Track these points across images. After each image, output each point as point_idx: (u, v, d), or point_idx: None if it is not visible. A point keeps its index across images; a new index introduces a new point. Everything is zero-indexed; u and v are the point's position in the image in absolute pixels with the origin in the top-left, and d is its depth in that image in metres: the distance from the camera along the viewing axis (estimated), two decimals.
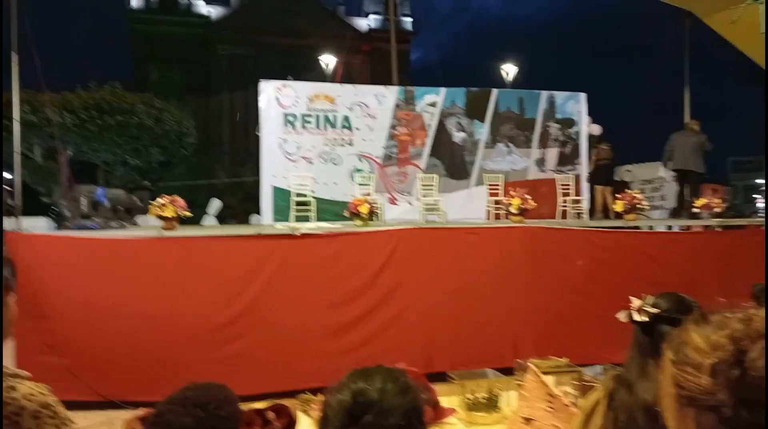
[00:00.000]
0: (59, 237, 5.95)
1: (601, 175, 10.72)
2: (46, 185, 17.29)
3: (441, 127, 10.43)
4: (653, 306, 1.77)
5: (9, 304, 1.41)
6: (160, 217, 6.27)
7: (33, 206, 12.14)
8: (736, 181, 34.75)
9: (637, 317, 1.77)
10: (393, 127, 10.20)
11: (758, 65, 9.19)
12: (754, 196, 35.17)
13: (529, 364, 2.79)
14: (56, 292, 5.36)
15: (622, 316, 1.81)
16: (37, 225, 8.91)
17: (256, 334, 5.75)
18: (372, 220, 7.43)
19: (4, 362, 1.37)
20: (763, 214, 10.80)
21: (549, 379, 2.60)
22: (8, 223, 5.93)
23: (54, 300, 5.33)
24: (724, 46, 10.27)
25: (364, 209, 7.04)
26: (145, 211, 10.94)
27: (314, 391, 4.13)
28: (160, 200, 6.28)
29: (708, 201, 8.16)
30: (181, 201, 6.30)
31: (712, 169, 12.00)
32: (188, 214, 6.45)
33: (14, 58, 7.10)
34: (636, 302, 1.79)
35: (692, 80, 11.63)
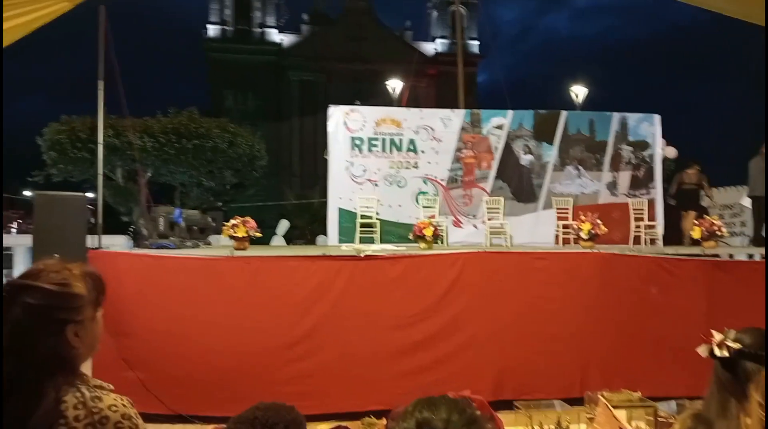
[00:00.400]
0: (138, 255, 6.25)
1: (684, 200, 10.34)
2: (126, 205, 18.20)
3: (508, 150, 10.32)
4: (735, 341, 1.67)
5: (97, 319, 1.51)
6: (233, 238, 6.49)
7: (113, 225, 12.81)
8: None
9: (718, 352, 1.68)
10: (459, 149, 10.18)
11: None
12: None
13: (600, 396, 2.69)
14: (132, 309, 5.61)
15: (702, 350, 1.72)
16: (116, 242, 9.38)
17: (322, 354, 5.80)
18: (436, 242, 7.41)
19: (89, 374, 1.46)
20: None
21: (621, 414, 2.49)
22: (90, 240, 6.27)
23: (130, 316, 5.57)
24: None
25: (428, 232, 7.04)
26: (217, 230, 11.34)
27: (378, 414, 4.11)
28: (233, 221, 6.50)
29: None
30: (252, 222, 6.51)
31: None
32: (258, 234, 6.64)
33: (100, 86, 7.57)
34: (717, 336, 1.69)
35: None
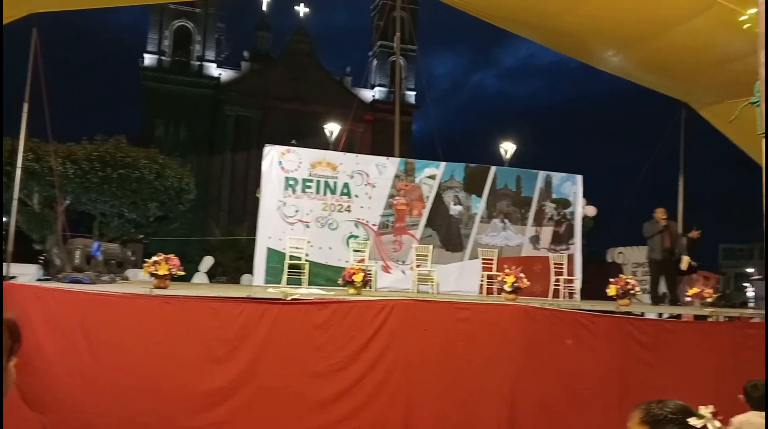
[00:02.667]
0: (49, 289, 5.89)
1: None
2: (40, 233, 17.24)
3: (439, 200, 10.55)
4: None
5: (9, 369, 1.40)
6: (153, 275, 6.23)
7: (24, 253, 12.09)
8: (728, 269, 34.81)
9: None
10: (391, 196, 10.32)
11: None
12: (745, 284, 35.27)
13: None
14: (39, 345, 5.25)
15: None
16: (27, 272, 8.85)
17: (240, 401, 5.60)
18: (365, 288, 7.41)
19: None
20: (755, 304, 10.78)
21: None
22: None
23: (35, 353, 5.22)
24: (719, 135, 10.59)
25: (358, 278, 7.04)
26: (136, 264, 10.89)
27: None
28: (155, 258, 6.26)
29: (700, 290, 8.17)
30: (175, 260, 6.28)
31: (703, 257, 12.12)
32: (181, 273, 6.42)
33: (25, 108, 7.26)
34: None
35: (687, 167, 11.93)
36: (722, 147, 11.10)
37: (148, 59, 39.53)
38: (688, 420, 1.70)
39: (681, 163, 12.01)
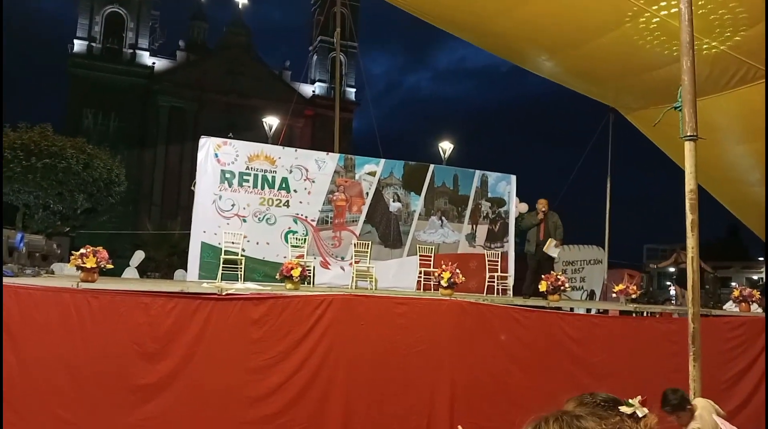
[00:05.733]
0: None
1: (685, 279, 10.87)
2: None
3: (378, 196, 10.59)
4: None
5: None
6: (80, 268, 5.98)
7: None
8: (652, 268, 36.53)
9: None
10: (331, 192, 10.27)
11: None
12: (667, 283, 37.14)
13: None
14: None
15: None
16: None
17: (173, 396, 5.45)
18: (303, 283, 7.36)
19: None
20: (675, 302, 11.36)
21: None
22: None
23: None
24: (645, 139, 11.12)
25: (296, 273, 6.97)
26: (62, 258, 10.41)
27: None
28: (82, 250, 6.00)
29: (625, 286, 8.54)
30: (104, 253, 6.04)
31: (628, 256, 12.73)
32: (110, 266, 6.18)
33: None
34: None
35: (615, 169, 12.46)
36: (648, 152, 11.68)
37: (78, 45, 37.86)
38: (619, 408, 1.80)
39: (609, 165, 12.56)
